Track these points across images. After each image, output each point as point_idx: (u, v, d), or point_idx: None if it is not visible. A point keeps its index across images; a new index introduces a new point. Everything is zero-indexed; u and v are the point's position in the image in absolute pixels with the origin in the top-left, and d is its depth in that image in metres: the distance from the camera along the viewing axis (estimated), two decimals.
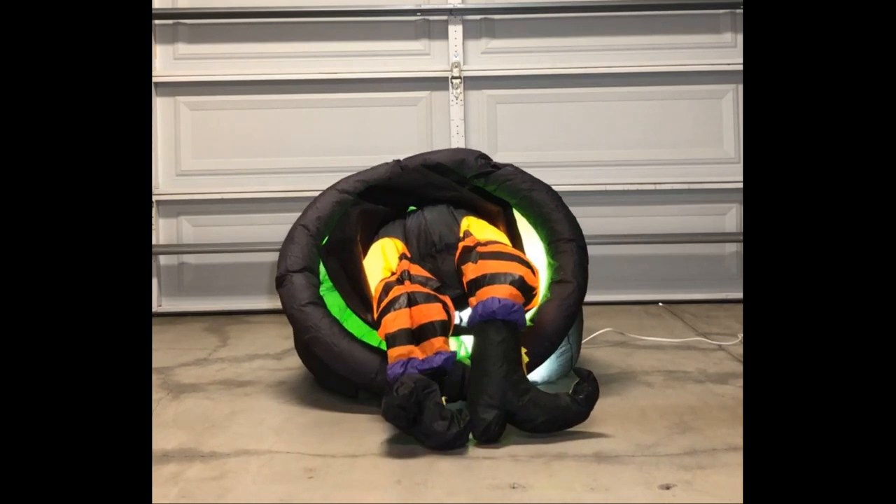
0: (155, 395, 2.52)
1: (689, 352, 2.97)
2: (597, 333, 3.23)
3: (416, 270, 2.30)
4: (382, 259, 2.40)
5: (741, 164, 3.93)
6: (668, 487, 1.74)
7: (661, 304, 3.96)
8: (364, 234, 2.49)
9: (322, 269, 2.47)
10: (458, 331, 2.29)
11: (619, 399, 2.38)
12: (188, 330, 3.63)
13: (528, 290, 2.18)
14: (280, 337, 3.38)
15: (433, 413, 1.95)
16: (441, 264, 2.45)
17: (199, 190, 4.04)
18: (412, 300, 2.15)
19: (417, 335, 2.13)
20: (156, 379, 2.72)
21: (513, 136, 4.05)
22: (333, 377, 2.42)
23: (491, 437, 2.01)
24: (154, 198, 4.00)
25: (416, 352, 2.11)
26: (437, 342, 2.12)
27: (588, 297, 2.70)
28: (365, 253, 2.46)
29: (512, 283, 2.15)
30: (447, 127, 4.03)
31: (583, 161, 4.02)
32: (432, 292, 2.21)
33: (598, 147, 4.06)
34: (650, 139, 4.07)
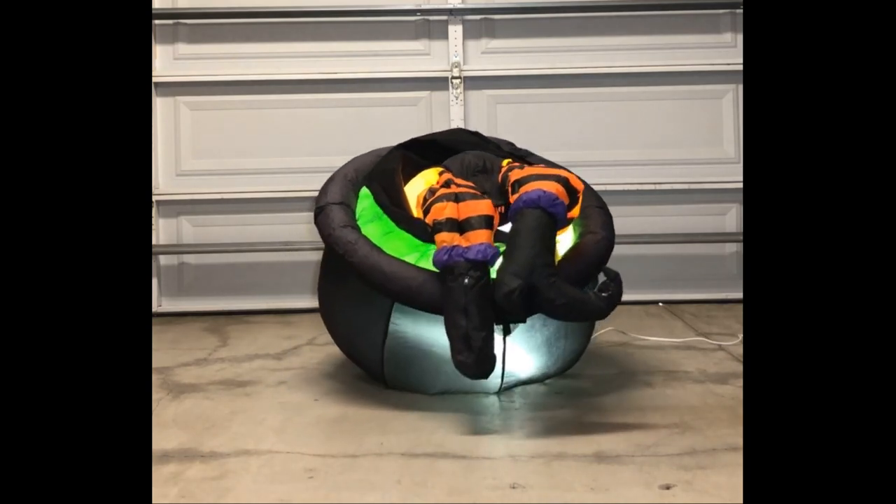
0: (155, 395, 2.52)
1: (689, 352, 2.97)
2: (597, 333, 3.23)
3: (459, 181, 2.36)
4: (424, 183, 2.46)
5: (741, 164, 3.93)
6: (668, 487, 1.74)
7: (661, 304, 3.96)
8: (404, 170, 2.55)
9: (358, 207, 2.53)
10: (500, 237, 2.33)
11: (619, 399, 2.37)
12: (188, 330, 3.63)
13: (572, 192, 2.25)
14: (280, 337, 3.38)
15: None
16: (483, 182, 2.47)
17: (199, 190, 4.03)
18: (459, 197, 2.23)
19: (462, 227, 2.19)
20: (156, 379, 2.72)
21: (513, 136, 3.98)
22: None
23: (510, 305, 2.05)
24: (154, 198, 4.00)
25: (460, 240, 2.16)
26: (482, 234, 2.17)
27: None
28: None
29: (557, 181, 2.22)
30: (447, 127, 4.00)
31: (583, 161, 3.99)
32: (478, 192, 2.27)
33: (599, 147, 4.06)
34: (650, 139, 4.07)
